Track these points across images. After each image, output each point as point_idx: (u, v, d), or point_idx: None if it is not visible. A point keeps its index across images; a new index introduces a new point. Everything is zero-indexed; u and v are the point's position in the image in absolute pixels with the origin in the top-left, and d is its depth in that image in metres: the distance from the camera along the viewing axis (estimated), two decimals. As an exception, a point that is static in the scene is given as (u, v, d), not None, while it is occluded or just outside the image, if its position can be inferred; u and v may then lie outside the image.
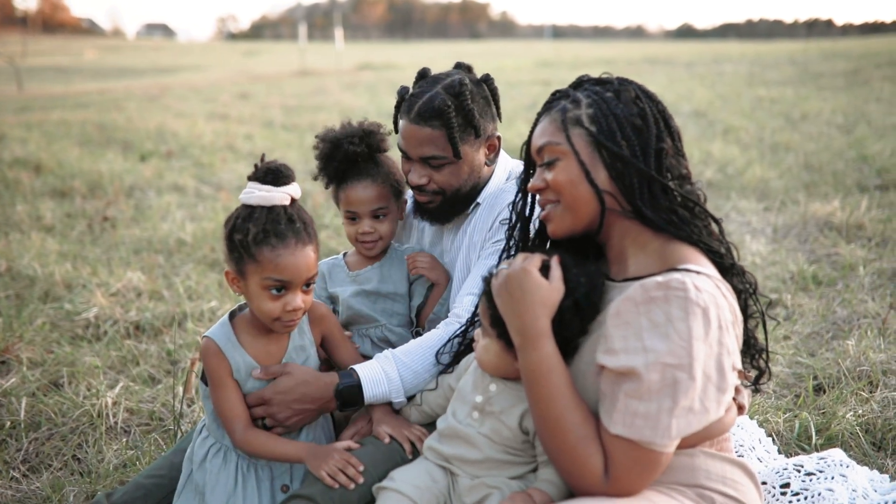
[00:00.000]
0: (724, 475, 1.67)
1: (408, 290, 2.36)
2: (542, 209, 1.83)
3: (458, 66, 2.35)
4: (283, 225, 1.87)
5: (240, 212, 1.91)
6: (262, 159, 1.94)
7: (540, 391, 1.60)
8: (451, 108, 2.15)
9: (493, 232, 2.24)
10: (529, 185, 1.84)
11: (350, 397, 2.02)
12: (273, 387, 1.98)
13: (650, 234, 1.71)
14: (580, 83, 1.83)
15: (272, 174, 1.89)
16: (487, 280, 1.80)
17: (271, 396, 1.98)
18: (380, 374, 2.03)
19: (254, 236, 1.86)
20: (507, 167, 2.39)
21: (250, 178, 1.91)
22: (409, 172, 2.27)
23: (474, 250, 2.28)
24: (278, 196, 1.88)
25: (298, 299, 1.92)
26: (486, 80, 2.30)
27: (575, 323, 1.67)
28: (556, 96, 1.83)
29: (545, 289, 1.64)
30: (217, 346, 1.98)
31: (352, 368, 2.05)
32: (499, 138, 2.33)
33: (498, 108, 2.33)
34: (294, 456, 1.94)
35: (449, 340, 2.09)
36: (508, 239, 2.03)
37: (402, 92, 2.28)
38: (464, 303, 2.15)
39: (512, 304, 1.66)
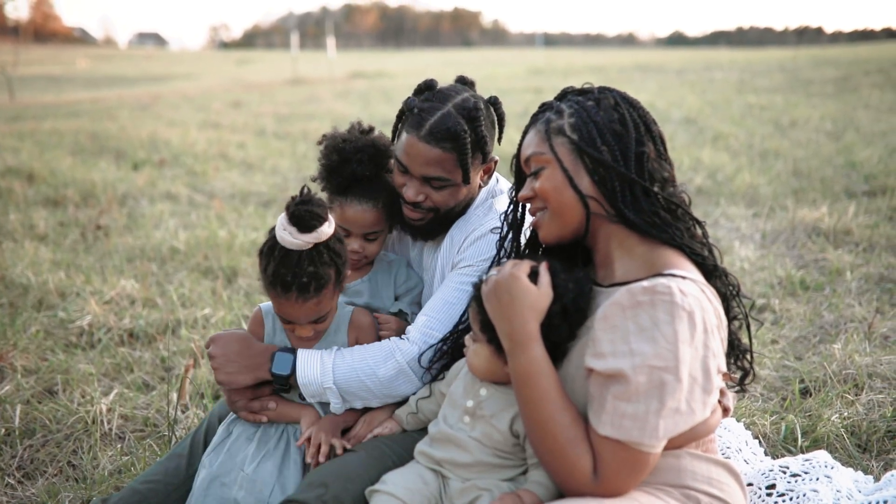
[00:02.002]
0: (710, 476, 1.69)
1: (394, 302, 2.37)
2: (533, 216, 1.88)
3: (462, 80, 2.26)
4: (290, 277, 1.91)
5: (272, 238, 1.95)
6: (302, 191, 1.96)
7: (529, 394, 1.63)
8: (467, 133, 2.08)
9: (461, 254, 2.19)
10: (519, 194, 1.89)
11: (281, 364, 2.05)
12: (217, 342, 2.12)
13: (636, 238, 1.75)
14: (564, 95, 1.88)
15: (296, 220, 1.89)
16: (477, 286, 1.83)
17: (213, 352, 2.10)
18: (316, 358, 2.06)
19: (265, 275, 1.96)
20: (487, 187, 2.32)
21: (287, 208, 1.92)
22: (403, 186, 2.17)
23: (447, 269, 2.25)
24: (297, 244, 1.90)
25: (307, 331, 2.05)
26: (495, 102, 2.24)
27: (563, 327, 1.70)
28: (542, 109, 1.87)
29: (534, 294, 1.68)
30: (261, 314, 2.17)
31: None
32: (495, 161, 2.28)
33: (501, 132, 2.27)
34: (297, 417, 2.13)
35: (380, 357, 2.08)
36: (499, 249, 2.06)
37: (410, 103, 2.16)
38: (417, 323, 2.12)
39: (501, 308, 1.69)
